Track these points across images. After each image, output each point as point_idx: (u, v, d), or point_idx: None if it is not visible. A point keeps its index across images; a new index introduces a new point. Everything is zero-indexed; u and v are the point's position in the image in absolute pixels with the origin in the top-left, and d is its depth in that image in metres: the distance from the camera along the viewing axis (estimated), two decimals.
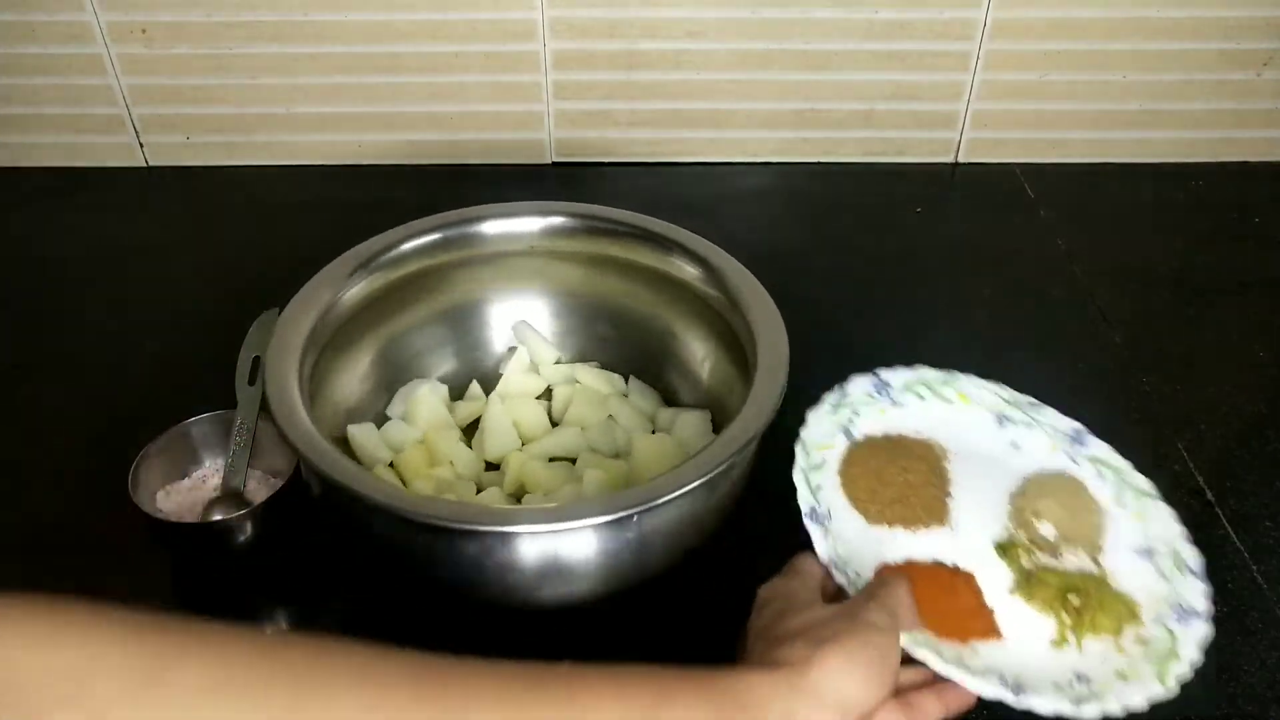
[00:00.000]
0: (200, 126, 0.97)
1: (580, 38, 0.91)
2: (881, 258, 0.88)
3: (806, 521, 0.53)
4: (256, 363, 0.66)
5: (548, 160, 0.99)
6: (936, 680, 0.48)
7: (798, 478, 0.55)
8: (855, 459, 0.59)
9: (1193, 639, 0.50)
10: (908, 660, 0.47)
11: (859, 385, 0.62)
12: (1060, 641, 0.52)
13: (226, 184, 0.97)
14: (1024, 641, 0.52)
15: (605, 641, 0.56)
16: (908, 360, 0.62)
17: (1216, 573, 0.60)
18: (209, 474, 0.64)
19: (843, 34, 0.91)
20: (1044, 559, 0.55)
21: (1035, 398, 0.63)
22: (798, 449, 0.57)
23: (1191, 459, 0.68)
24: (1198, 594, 0.53)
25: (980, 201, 0.96)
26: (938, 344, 0.76)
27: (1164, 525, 0.56)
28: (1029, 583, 0.54)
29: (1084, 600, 0.53)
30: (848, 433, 0.60)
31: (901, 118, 0.96)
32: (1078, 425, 0.61)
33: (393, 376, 0.69)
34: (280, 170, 0.98)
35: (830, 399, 0.61)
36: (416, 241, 0.67)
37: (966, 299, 0.82)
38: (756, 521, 0.58)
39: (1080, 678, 0.50)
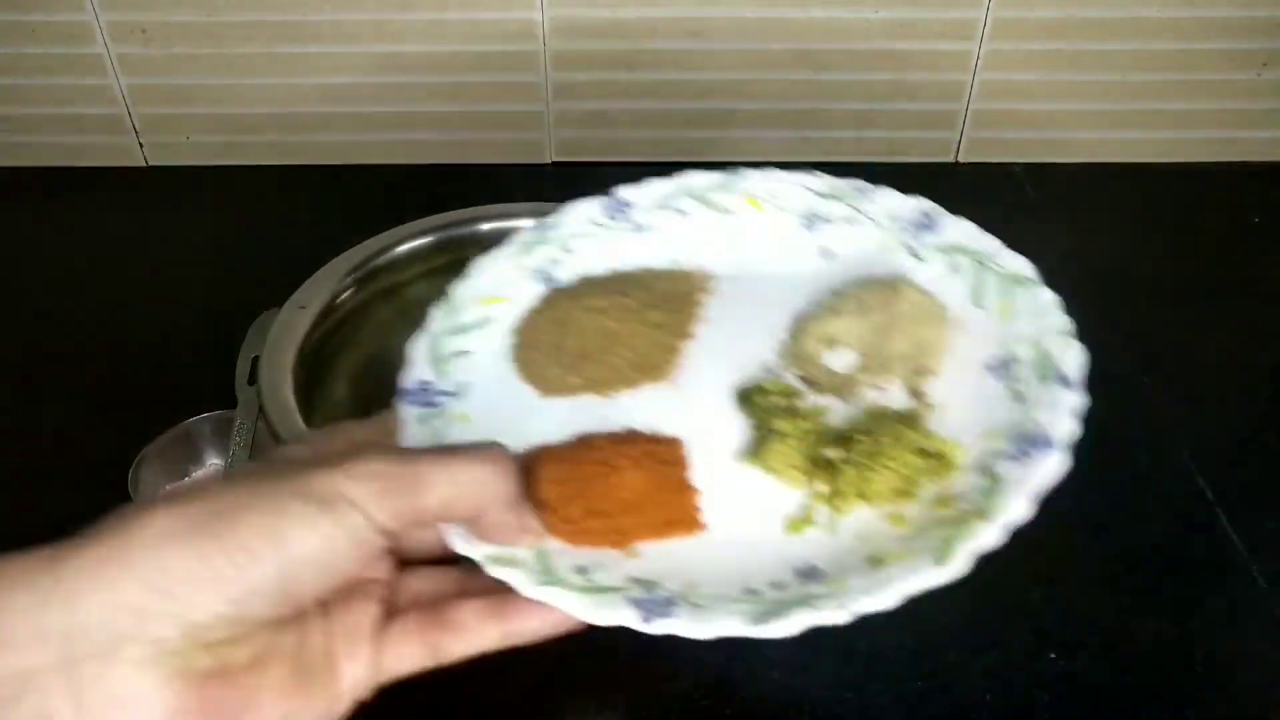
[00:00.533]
0: (200, 126, 0.97)
1: (580, 38, 0.91)
2: None
3: (400, 404, 0.38)
4: (256, 363, 0.66)
5: (548, 160, 0.99)
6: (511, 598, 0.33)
7: (414, 346, 0.40)
8: (547, 311, 0.42)
9: (1025, 483, 0.32)
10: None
11: (577, 212, 0.45)
12: (802, 523, 0.35)
13: (226, 184, 0.97)
14: (744, 531, 0.35)
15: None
16: None
17: (1216, 572, 0.60)
18: (209, 474, 0.64)
19: (843, 34, 0.91)
20: (818, 403, 0.39)
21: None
22: (434, 310, 0.41)
23: (1192, 459, 0.68)
24: (1061, 411, 0.34)
25: (980, 201, 0.95)
26: None
27: (1038, 320, 0.39)
28: (765, 442, 0.37)
29: (849, 454, 0.36)
30: (548, 278, 0.43)
31: (901, 118, 0.96)
32: (928, 205, 0.45)
33: (378, 391, 0.69)
34: (280, 170, 0.98)
35: (522, 237, 0.44)
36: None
37: None
38: None
39: (805, 574, 0.33)
